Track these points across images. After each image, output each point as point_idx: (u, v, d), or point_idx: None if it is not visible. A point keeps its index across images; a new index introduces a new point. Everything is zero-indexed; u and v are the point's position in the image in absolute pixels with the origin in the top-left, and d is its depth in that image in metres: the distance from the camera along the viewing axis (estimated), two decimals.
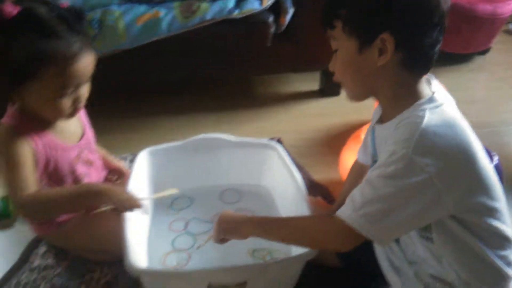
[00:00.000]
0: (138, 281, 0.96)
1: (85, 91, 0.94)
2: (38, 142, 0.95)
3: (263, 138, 1.36)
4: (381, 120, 0.87)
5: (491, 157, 1.27)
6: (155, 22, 1.46)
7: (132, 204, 0.94)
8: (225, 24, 1.51)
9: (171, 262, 1.09)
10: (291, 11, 1.58)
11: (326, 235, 0.82)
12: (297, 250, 0.97)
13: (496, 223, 0.78)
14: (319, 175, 1.45)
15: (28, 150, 0.93)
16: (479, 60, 2.30)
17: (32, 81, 0.86)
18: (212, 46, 1.60)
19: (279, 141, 1.56)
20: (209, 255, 1.10)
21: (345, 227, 0.75)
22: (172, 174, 1.25)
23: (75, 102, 0.93)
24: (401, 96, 0.79)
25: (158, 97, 1.88)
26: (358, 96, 0.85)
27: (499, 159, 1.28)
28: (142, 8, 1.49)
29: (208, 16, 1.48)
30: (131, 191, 0.95)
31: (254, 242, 1.13)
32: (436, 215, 0.75)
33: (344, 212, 0.77)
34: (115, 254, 1.04)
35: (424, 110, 0.74)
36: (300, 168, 1.46)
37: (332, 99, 1.90)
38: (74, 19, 0.87)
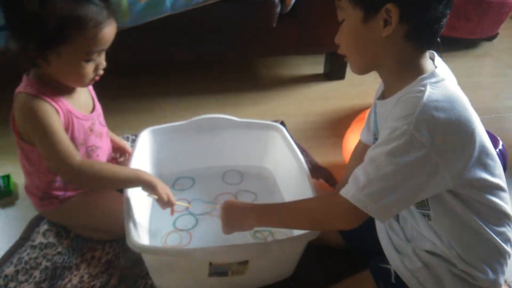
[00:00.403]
0: (140, 259, 0.96)
1: (103, 59, 0.97)
2: (61, 109, 0.96)
3: (266, 121, 1.35)
4: (383, 96, 0.86)
5: (496, 142, 1.26)
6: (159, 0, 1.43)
7: (170, 199, 1.02)
8: (230, 3, 1.49)
9: (173, 242, 1.09)
10: None
11: (330, 216, 0.81)
12: (299, 231, 0.97)
13: (495, 199, 0.78)
14: (322, 158, 1.44)
15: (58, 116, 0.95)
16: (485, 46, 2.28)
17: (63, 45, 0.88)
18: (216, 25, 1.58)
19: (282, 123, 1.55)
20: (210, 236, 1.10)
21: (349, 206, 0.75)
22: (174, 154, 1.24)
23: (96, 68, 0.96)
24: (404, 70, 0.78)
25: (161, 78, 1.86)
26: (361, 68, 0.84)
27: (503, 145, 1.27)
28: None
29: None
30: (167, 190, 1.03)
31: None
32: (434, 189, 0.75)
33: (348, 192, 0.77)
34: (116, 232, 1.04)
35: (425, 85, 0.74)
36: (303, 151, 1.46)
37: (336, 83, 1.89)
38: None
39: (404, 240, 0.89)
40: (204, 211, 1.19)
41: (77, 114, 1.00)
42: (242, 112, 1.65)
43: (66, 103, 0.98)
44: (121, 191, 1.00)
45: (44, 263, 1.06)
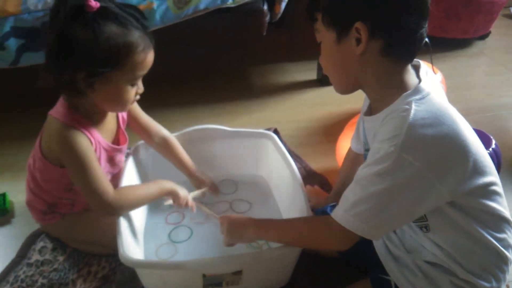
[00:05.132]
0: (135, 273, 0.96)
1: (141, 83, 0.98)
2: (94, 140, 0.97)
3: (260, 129, 1.35)
4: (370, 111, 0.85)
5: (488, 142, 1.26)
6: (149, 13, 1.44)
7: (188, 205, 1.10)
8: (220, 14, 1.50)
9: (167, 254, 1.09)
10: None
11: (323, 237, 0.83)
12: None
13: (493, 204, 0.77)
14: (317, 164, 1.44)
15: (92, 147, 0.95)
16: (478, 45, 2.28)
17: (112, 71, 0.88)
18: (206, 36, 1.59)
19: (275, 131, 1.55)
20: (204, 246, 1.10)
21: (340, 228, 0.76)
22: (167, 166, 1.24)
23: (136, 93, 0.97)
24: (387, 87, 0.77)
25: (152, 90, 1.85)
26: (343, 88, 0.84)
27: (496, 144, 1.27)
28: None
29: (202, 6, 1.47)
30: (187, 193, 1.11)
31: None
32: (432, 205, 0.74)
33: (337, 213, 0.77)
34: (114, 247, 1.04)
35: (410, 102, 0.73)
36: (297, 157, 1.46)
37: (330, 88, 1.86)
38: (141, 16, 0.91)
39: (403, 251, 0.88)
40: (201, 218, 1.19)
41: (104, 145, 1.01)
42: (236, 121, 1.65)
43: (96, 133, 0.98)
44: None
45: (40, 280, 1.06)
